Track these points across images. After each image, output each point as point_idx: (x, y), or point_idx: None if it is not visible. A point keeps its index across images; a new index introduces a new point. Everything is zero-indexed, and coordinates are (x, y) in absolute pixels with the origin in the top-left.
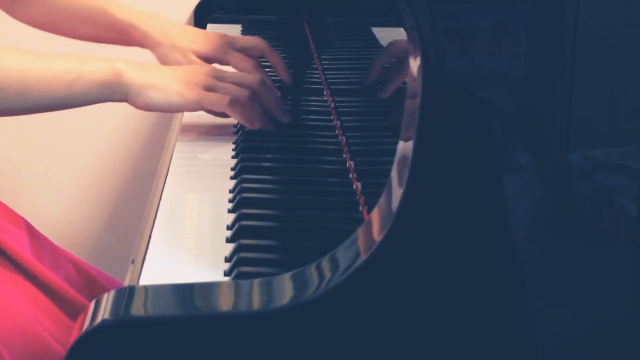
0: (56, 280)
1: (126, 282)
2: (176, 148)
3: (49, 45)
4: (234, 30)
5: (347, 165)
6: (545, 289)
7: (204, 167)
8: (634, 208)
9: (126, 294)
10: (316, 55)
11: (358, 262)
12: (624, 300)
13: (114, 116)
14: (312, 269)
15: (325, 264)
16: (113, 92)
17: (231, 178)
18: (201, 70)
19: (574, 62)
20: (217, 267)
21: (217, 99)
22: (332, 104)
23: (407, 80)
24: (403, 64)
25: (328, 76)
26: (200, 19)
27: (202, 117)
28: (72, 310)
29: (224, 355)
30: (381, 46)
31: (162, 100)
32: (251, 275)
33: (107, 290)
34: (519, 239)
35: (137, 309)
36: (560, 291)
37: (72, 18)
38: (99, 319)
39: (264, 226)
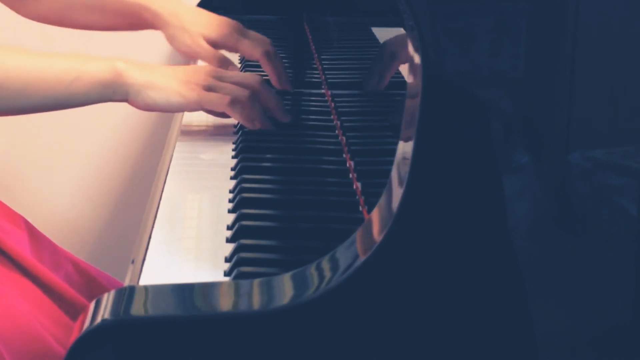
0: (56, 280)
1: (126, 282)
2: (176, 148)
3: (50, 44)
4: None
5: (347, 165)
6: (545, 289)
7: (204, 167)
8: (634, 208)
9: (126, 294)
10: (316, 55)
11: (358, 262)
12: (624, 300)
13: (114, 116)
14: (312, 269)
15: (325, 264)
16: (113, 92)
17: (231, 178)
18: (201, 70)
19: (574, 62)
20: (217, 267)
21: (217, 99)
22: (332, 104)
23: (407, 80)
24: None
25: (328, 76)
26: None
27: (202, 117)
28: (72, 310)
29: (224, 355)
30: (382, 45)
31: (162, 100)
32: (251, 275)
33: (107, 290)
34: (519, 239)
35: (137, 309)
36: (560, 291)
37: (79, 8)
38: (99, 319)
39: (264, 226)
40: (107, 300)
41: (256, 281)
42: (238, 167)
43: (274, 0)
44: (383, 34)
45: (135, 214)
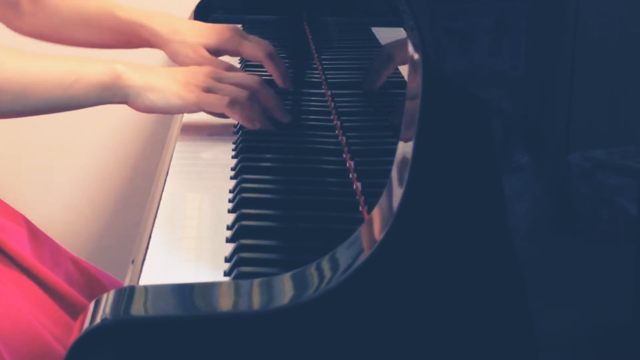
0: (56, 279)
1: (126, 282)
2: (176, 148)
3: (49, 47)
4: None
5: (347, 165)
6: (545, 289)
7: (204, 167)
8: (634, 208)
9: (126, 294)
10: (316, 55)
11: (358, 262)
12: (624, 300)
13: (114, 116)
14: (312, 269)
15: (325, 264)
16: (113, 94)
17: (231, 178)
18: (200, 72)
19: (574, 62)
20: (217, 267)
21: (216, 100)
22: (332, 104)
23: (407, 80)
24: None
25: (328, 76)
26: (200, 19)
27: (202, 117)
28: (72, 309)
29: (224, 355)
30: (381, 46)
31: (161, 102)
32: (251, 275)
33: (107, 289)
34: (519, 239)
35: (137, 309)
36: (560, 291)
37: (76, 25)
38: (99, 319)
39: (264, 226)
40: (107, 300)
41: (256, 281)
42: (238, 167)
43: (274, 0)
44: (383, 34)
45: (135, 214)
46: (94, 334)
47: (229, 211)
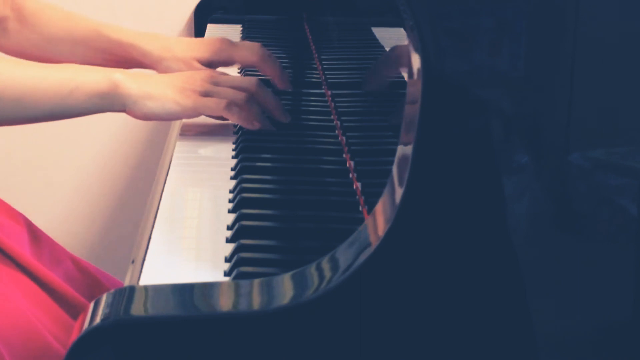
0: (55, 278)
1: (126, 282)
2: (176, 148)
3: None
4: (234, 30)
5: (347, 165)
6: (545, 288)
7: (204, 167)
8: (634, 208)
9: (126, 294)
10: (316, 55)
11: (358, 262)
12: (623, 300)
13: (114, 116)
14: (312, 269)
15: (325, 264)
16: (110, 103)
17: (231, 178)
18: (197, 76)
19: (574, 62)
20: (217, 267)
21: (214, 104)
22: (332, 104)
23: (407, 82)
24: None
25: (328, 76)
26: (200, 19)
27: (202, 117)
28: (72, 309)
29: (224, 355)
30: (381, 46)
31: (159, 110)
32: (251, 275)
33: (107, 288)
34: (519, 239)
35: (137, 309)
36: (560, 291)
37: (64, 44)
38: (98, 319)
39: (264, 226)
40: (107, 300)
41: (256, 281)
42: (238, 167)
43: (274, 0)
44: (383, 34)
45: (135, 214)
46: (94, 334)
47: (229, 211)
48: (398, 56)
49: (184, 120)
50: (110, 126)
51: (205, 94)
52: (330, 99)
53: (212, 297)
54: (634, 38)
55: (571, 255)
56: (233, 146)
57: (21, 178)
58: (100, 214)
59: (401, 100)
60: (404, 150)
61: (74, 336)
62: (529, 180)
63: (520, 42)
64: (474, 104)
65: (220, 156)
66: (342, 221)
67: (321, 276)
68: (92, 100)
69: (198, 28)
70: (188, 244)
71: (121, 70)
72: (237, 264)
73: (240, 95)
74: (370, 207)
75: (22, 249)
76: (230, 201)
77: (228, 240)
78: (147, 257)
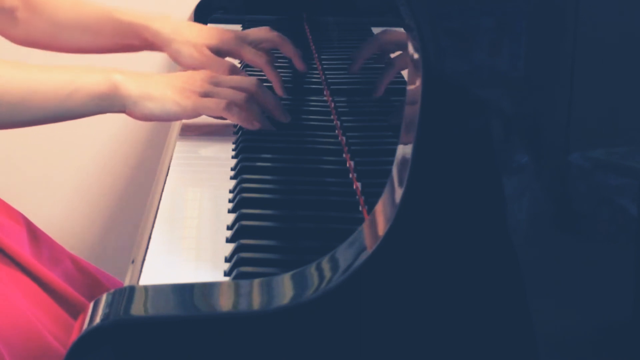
0: (55, 278)
1: (126, 282)
2: (176, 148)
3: (48, 57)
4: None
5: (347, 165)
6: (545, 288)
7: (204, 167)
8: (634, 208)
9: (126, 294)
10: (316, 55)
11: (358, 262)
12: (623, 300)
13: (114, 116)
14: (312, 269)
15: (325, 264)
16: (110, 104)
17: (231, 178)
18: (197, 77)
19: (574, 62)
20: (217, 267)
21: (214, 104)
22: (332, 104)
23: (407, 80)
24: (392, 61)
25: (328, 76)
26: (201, 19)
27: (202, 117)
28: (72, 308)
29: (224, 355)
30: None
31: (159, 110)
32: (251, 275)
33: (107, 288)
34: (519, 239)
35: (137, 309)
36: (560, 291)
37: (74, 30)
38: (98, 319)
39: (264, 226)
40: (107, 300)
41: (256, 281)
42: (238, 167)
43: (274, 0)
44: None
45: (135, 214)
46: (94, 334)
47: (229, 211)
48: (386, 41)
49: (184, 120)
50: (110, 126)
51: (205, 95)
52: (330, 99)
53: (212, 297)
54: (634, 38)
55: (571, 255)
56: (233, 146)
57: (21, 178)
58: (100, 214)
59: (401, 100)
60: (404, 150)
61: (74, 336)
62: (529, 180)
63: (520, 42)
64: (474, 104)
65: (220, 156)
66: (342, 221)
67: (321, 276)
68: (92, 101)
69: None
70: (188, 244)
71: (121, 71)
72: (237, 264)
73: (240, 96)
74: (370, 207)
75: (22, 249)
76: (230, 201)
77: (228, 240)
78: (147, 257)
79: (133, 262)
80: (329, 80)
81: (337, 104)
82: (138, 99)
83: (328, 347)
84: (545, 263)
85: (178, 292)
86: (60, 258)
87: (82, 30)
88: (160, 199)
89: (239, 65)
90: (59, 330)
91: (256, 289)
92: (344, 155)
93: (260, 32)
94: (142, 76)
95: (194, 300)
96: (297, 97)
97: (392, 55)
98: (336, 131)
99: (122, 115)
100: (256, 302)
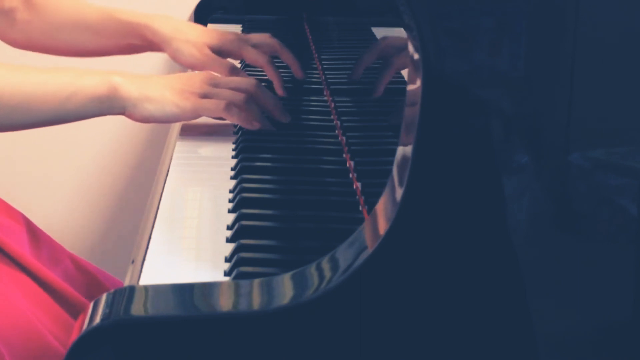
0: (55, 277)
1: (126, 282)
2: (176, 148)
3: (46, 60)
4: (234, 30)
5: (347, 165)
6: (545, 288)
7: (204, 167)
8: (634, 208)
9: (126, 294)
10: (316, 55)
11: (358, 262)
12: (623, 300)
13: (114, 116)
14: (312, 269)
15: (325, 264)
16: (110, 106)
17: (231, 178)
18: (196, 78)
19: (574, 62)
20: (217, 267)
21: (213, 105)
22: (332, 104)
23: (407, 80)
24: (391, 61)
25: (328, 76)
26: (201, 19)
27: (202, 117)
28: (72, 308)
29: (224, 355)
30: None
31: (158, 112)
32: (251, 275)
33: (107, 287)
34: (519, 239)
35: (137, 309)
36: (560, 291)
37: (74, 30)
38: (98, 319)
39: (264, 226)
40: (107, 300)
41: (256, 281)
42: (238, 167)
43: (274, 0)
44: (383, 34)
45: (135, 214)
46: (94, 334)
47: (229, 211)
48: (384, 50)
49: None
50: (110, 126)
51: (204, 96)
52: (330, 99)
53: (212, 297)
54: (634, 38)
55: (571, 255)
56: (233, 146)
57: (21, 178)
58: (100, 214)
59: (401, 100)
60: (404, 150)
61: (74, 336)
62: (529, 180)
63: (520, 42)
64: (474, 104)
65: (220, 156)
66: (342, 221)
67: (321, 276)
68: (92, 104)
69: None
70: (188, 244)
71: (120, 73)
72: (237, 264)
73: (239, 96)
74: (370, 207)
75: (22, 248)
76: (230, 201)
77: (228, 240)
78: (147, 257)
79: (133, 262)
80: (329, 80)
81: (337, 104)
82: (137, 101)
83: (328, 347)
84: (545, 263)
85: (178, 292)
86: (60, 258)
87: (82, 30)
88: (160, 199)
89: (239, 67)
90: (59, 330)
91: (256, 289)
92: (344, 155)
93: (261, 37)
94: (141, 78)
95: (194, 300)
96: (297, 97)
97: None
98: (336, 131)
99: (122, 116)
100: (256, 302)
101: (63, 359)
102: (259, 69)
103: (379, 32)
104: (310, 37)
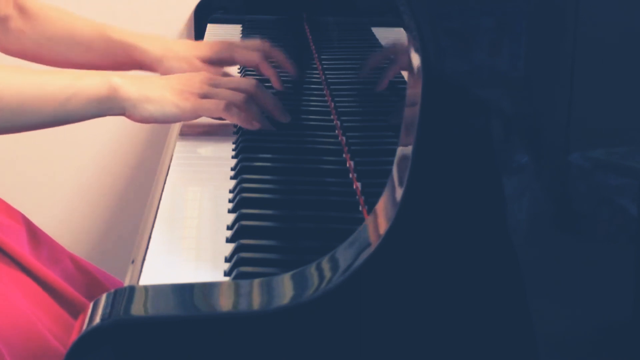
0: (55, 277)
1: (126, 282)
2: (176, 148)
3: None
4: (234, 30)
5: (347, 165)
6: (545, 288)
7: (204, 166)
8: (634, 208)
9: (126, 294)
10: (316, 55)
11: (358, 262)
12: (623, 300)
13: (114, 116)
14: (312, 269)
15: (325, 264)
16: (110, 107)
17: (231, 178)
18: (195, 78)
19: (574, 62)
20: (217, 267)
21: (213, 106)
22: (332, 104)
23: (407, 83)
24: (397, 58)
25: (328, 76)
26: (201, 18)
27: (202, 117)
28: (71, 308)
29: (224, 355)
30: (381, 46)
31: (158, 113)
32: (251, 275)
33: (107, 288)
34: (519, 239)
35: (137, 309)
36: (560, 291)
37: (66, 44)
38: (98, 319)
39: (264, 226)
40: (107, 300)
41: (256, 281)
42: (238, 167)
43: (274, 0)
44: (383, 34)
45: (135, 214)
46: (94, 334)
47: (229, 211)
48: (396, 46)
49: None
50: (110, 126)
51: (204, 96)
52: (330, 99)
53: (212, 297)
54: (634, 38)
55: (571, 255)
56: (233, 146)
57: (21, 178)
58: (100, 214)
59: (401, 100)
60: (404, 150)
61: (74, 336)
62: (529, 180)
63: (520, 42)
64: (474, 104)
65: (220, 156)
66: (342, 221)
67: (321, 276)
68: (92, 105)
69: (198, 28)
70: (188, 244)
71: (119, 73)
72: (237, 264)
73: (239, 97)
74: (370, 207)
75: (21, 248)
76: (230, 201)
77: (228, 240)
78: (147, 257)
79: (133, 262)
80: (329, 80)
81: (337, 104)
82: (137, 102)
83: (328, 347)
84: (545, 263)
85: (178, 292)
86: (60, 257)
87: (73, 45)
88: (160, 199)
89: (237, 74)
90: (59, 330)
91: (256, 289)
92: (344, 155)
93: (249, 42)
94: (141, 79)
95: (194, 300)
96: (297, 97)
97: None
98: (336, 131)
99: (122, 117)
100: (256, 302)
101: (63, 358)
102: (258, 72)
103: (379, 32)
104: (310, 37)
